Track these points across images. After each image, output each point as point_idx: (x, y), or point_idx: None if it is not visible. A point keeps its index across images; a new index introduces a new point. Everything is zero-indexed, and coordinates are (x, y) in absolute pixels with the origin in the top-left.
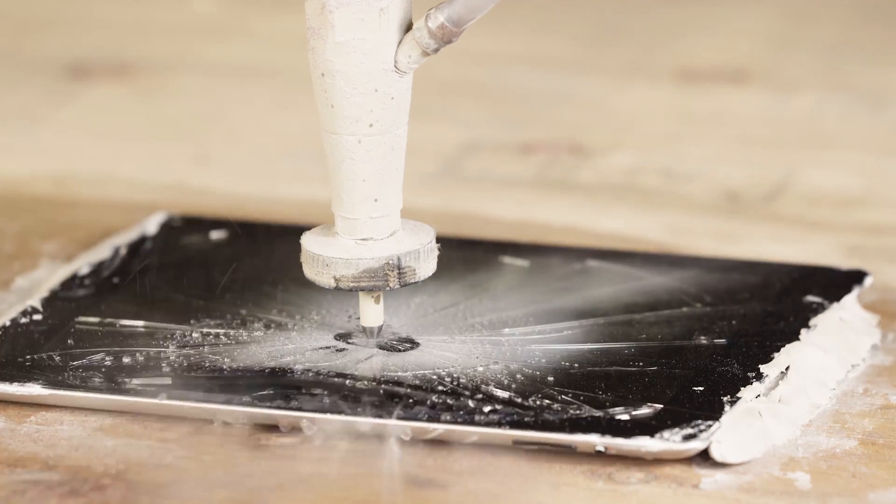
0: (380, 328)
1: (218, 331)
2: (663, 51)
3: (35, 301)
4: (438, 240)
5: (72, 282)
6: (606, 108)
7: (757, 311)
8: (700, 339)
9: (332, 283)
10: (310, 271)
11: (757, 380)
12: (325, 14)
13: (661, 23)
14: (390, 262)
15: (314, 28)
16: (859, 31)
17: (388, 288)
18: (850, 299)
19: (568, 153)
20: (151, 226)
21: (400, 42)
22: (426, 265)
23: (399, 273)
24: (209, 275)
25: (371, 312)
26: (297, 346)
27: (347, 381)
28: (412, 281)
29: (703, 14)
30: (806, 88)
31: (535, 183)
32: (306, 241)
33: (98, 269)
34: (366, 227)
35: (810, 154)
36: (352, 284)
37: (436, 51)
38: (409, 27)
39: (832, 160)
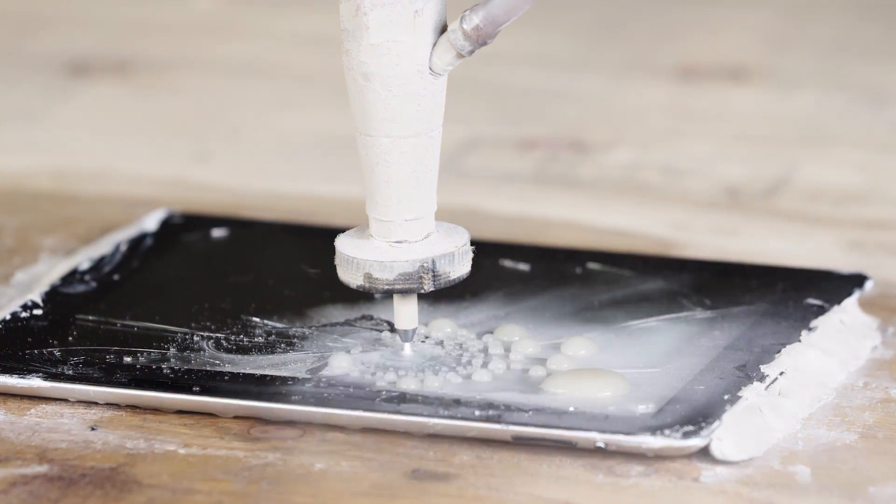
0: (414, 330)
1: (218, 335)
2: (664, 48)
3: (35, 295)
4: None
5: (72, 277)
6: (607, 104)
7: (758, 314)
8: (701, 340)
9: (367, 286)
10: (344, 274)
11: (758, 380)
12: (360, 16)
13: (661, 20)
14: (425, 264)
15: (349, 30)
16: (859, 29)
17: (423, 290)
18: (851, 302)
19: (568, 149)
20: (152, 222)
21: (434, 44)
22: (461, 267)
23: (434, 276)
24: (210, 274)
25: (406, 315)
26: (298, 355)
27: (351, 389)
28: (447, 283)
29: (704, 12)
30: (806, 86)
31: (535, 179)
32: (340, 243)
33: (98, 264)
34: (400, 230)
35: (810, 151)
36: (386, 287)
37: (471, 52)
38: (443, 29)
39: (832, 157)
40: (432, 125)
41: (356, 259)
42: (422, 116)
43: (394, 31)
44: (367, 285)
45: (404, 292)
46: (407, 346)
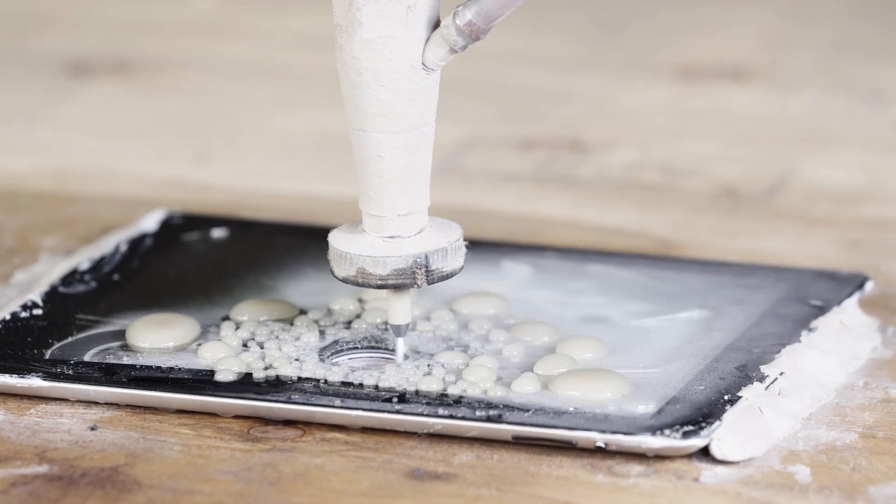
0: (407, 325)
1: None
2: (664, 48)
3: (35, 295)
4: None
5: (72, 277)
6: (607, 104)
7: (758, 314)
8: (701, 340)
9: (360, 281)
10: (337, 269)
11: (758, 380)
12: (353, 11)
13: (661, 20)
14: (418, 260)
15: (342, 25)
16: (858, 29)
17: (416, 286)
18: (851, 303)
19: (568, 149)
20: (151, 222)
21: (427, 39)
22: (454, 262)
23: (427, 271)
24: (210, 274)
25: (399, 310)
26: (296, 357)
27: (351, 388)
28: (440, 278)
29: (704, 12)
30: (806, 86)
31: (535, 179)
32: (333, 238)
33: (98, 264)
34: (393, 225)
35: (810, 151)
36: (379, 282)
37: (464, 48)
38: (436, 24)
39: (832, 157)
40: (425, 120)
41: (349, 254)
42: (414, 112)
43: (387, 27)
44: (360, 280)
45: (397, 287)
46: (400, 341)
